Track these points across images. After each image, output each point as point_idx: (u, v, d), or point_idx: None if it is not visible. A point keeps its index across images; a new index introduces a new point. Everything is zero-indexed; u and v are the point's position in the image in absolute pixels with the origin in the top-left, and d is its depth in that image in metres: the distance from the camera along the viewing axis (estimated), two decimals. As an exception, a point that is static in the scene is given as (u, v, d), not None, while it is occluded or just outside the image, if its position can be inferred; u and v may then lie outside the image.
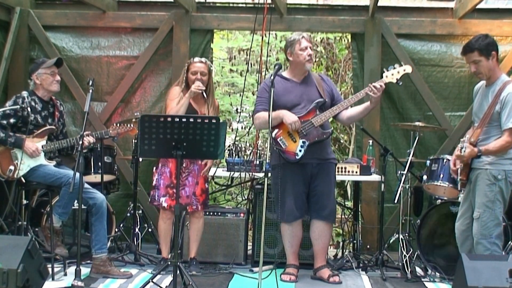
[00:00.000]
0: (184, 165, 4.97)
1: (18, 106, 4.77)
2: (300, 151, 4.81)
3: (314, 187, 4.92)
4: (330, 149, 5.06)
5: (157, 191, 5.06)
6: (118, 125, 5.07)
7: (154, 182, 5.09)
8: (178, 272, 4.05)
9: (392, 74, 4.79)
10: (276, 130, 4.83)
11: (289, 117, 4.77)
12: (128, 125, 5.03)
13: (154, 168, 5.15)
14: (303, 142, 4.82)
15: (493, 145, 4.22)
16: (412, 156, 5.26)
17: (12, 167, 4.78)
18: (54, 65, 4.93)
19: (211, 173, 5.58)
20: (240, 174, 5.64)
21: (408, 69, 4.81)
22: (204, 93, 4.93)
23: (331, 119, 5.03)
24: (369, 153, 5.78)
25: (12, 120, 4.80)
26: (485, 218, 4.22)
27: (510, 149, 4.23)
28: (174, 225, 4.29)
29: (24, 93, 4.90)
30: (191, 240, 5.17)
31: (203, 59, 5.11)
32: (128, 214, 5.86)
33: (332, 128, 5.11)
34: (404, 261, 5.07)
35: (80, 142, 4.44)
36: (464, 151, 4.19)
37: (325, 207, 4.92)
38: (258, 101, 4.98)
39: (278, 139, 4.85)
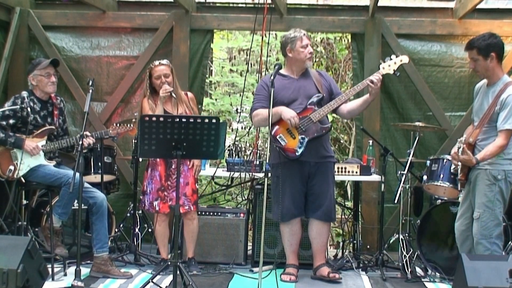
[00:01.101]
0: (173, 167, 4.96)
1: (18, 107, 4.77)
2: (299, 147, 4.80)
3: (312, 186, 4.92)
4: (329, 146, 5.04)
5: (146, 196, 5.06)
6: (117, 125, 5.06)
7: (143, 188, 5.09)
8: (178, 272, 4.05)
9: (389, 66, 4.79)
10: (275, 128, 4.82)
11: (288, 112, 4.77)
12: (128, 125, 5.03)
13: (145, 172, 5.14)
14: (302, 138, 4.81)
15: (490, 152, 4.20)
16: (412, 156, 5.25)
17: (12, 167, 4.78)
18: (51, 65, 4.92)
19: (211, 173, 5.60)
20: (240, 174, 5.64)
21: (404, 59, 4.81)
22: (172, 94, 4.91)
23: (331, 117, 5.03)
24: (369, 153, 5.78)
25: (11, 121, 4.80)
26: (485, 218, 4.22)
27: (504, 150, 4.22)
28: (174, 225, 4.28)
29: (24, 93, 4.90)
30: (187, 241, 5.17)
31: (164, 61, 5.07)
32: (128, 214, 5.86)
33: (332, 126, 5.08)
34: (404, 261, 5.07)
35: (80, 142, 4.45)
36: (461, 153, 4.18)
37: (322, 206, 4.91)
38: (256, 99, 4.98)
39: (277, 137, 4.84)
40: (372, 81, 4.71)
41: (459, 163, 4.33)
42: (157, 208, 5.03)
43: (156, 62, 5.07)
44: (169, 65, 5.06)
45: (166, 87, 4.93)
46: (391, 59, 4.80)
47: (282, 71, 4.95)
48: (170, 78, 5.01)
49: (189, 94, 5.25)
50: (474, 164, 4.23)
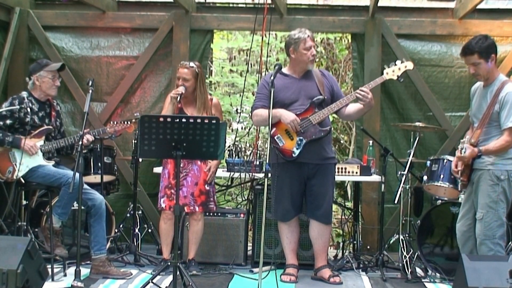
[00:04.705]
0: (181, 165, 4.96)
1: (16, 107, 4.76)
2: (297, 149, 4.79)
3: (311, 186, 4.90)
4: (330, 147, 5.00)
5: (159, 194, 5.07)
6: (115, 123, 5.05)
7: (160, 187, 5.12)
8: (178, 272, 4.05)
9: (393, 71, 4.76)
10: (273, 128, 4.80)
11: (287, 116, 4.75)
12: (126, 122, 5.01)
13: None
14: (300, 140, 4.80)
15: (493, 144, 4.21)
16: (413, 156, 5.25)
17: (11, 168, 4.77)
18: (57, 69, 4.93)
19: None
20: (240, 175, 5.63)
21: (409, 65, 4.77)
22: (179, 97, 4.90)
23: (331, 118, 5.01)
24: (369, 153, 5.77)
25: (8, 122, 4.79)
26: (489, 218, 4.22)
27: (510, 148, 4.22)
28: (174, 225, 4.28)
29: (24, 93, 4.90)
30: (190, 242, 5.17)
31: (190, 64, 5.05)
32: (128, 215, 5.85)
33: (332, 127, 5.05)
34: (404, 262, 5.07)
35: (80, 143, 4.44)
36: (465, 152, 4.19)
37: (320, 208, 4.90)
38: (257, 97, 4.97)
39: (275, 137, 4.83)
40: (359, 93, 4.68)
41: (462, 166, 4.32)
42: (163, 206, 5.03)
43: (184, 63, 5.08)
44: (193, 69, 5.02)
45: (178, 89, 4.94)
46: (395, 64, 4.75)
47: (284, 71, 4.94)
48: (190, 83, 5.00)
49: (214, 99, 5.21)
50: (477, 154, 4.21)
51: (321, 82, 4.91)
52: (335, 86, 5.01)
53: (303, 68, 4.92)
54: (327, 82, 4.96)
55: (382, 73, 4.81)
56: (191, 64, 5.07)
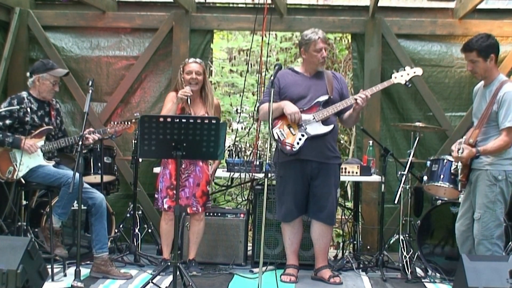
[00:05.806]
0: (183, 166, 4.97)
1: (15, 107, 4.75)
2: (298, 143, 4.78)
3: (314, 187, 4.90)
4: (334, 145, 4.98)
5: (159, 193, 5.07)
6: (115, 123, 5.05)
7: (157, 186, 5.11)
8: (178, 272, 4.05)
9: (401, 76, 4.83)
10: (277, 123, 4.81)
11: (290, 108, 4.76)
12: (126, 123, 5.01)
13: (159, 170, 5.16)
14: (301, 135, 4.80)
15: (491, 145, 4.21)
16: (413, 156, 5.25)
17: (11, 168, 4.77)
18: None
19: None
20: (240, 175, 5.63)
21: (418, 71, 4.85)
22: (189, 99, 4.90)
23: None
24: (369, 153, 5.77)
25: (8, 122, 4.78)
26: (486, 219, 4.22)
27: (508, 148, 4.22)
28: (174, 226, 4.28)
29: (24, 93, 4.90)
30: (191, 242, 5.17)
31: (198, 60, 5.11)
32: (128, 215, 5.85)
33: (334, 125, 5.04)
34: (405, 262, 5.07)
35: (80, 143, 4.44)
36: (462, 152, 4.19)
37: (324, 209, 4.90)
38: (266, 92, 4.99)
39: (276, 131, 4.82)
40: (356, 99, 4.72)
41: (460, 164, 4.33)
42: (165, 206, 5.02)
43: (190, 60, 5.12)
44: (202, 65, 5.08)
45: (186, 90, 4.92)
46: (404, 69, 4.85)
47: (296, 68, 5.01)
48: (201, 77, 5.03)
49: (215, 100, 5.21)
50: (475, 154, 4.21)
51: (330, 82, 4.92)
52: (344, 89, 5.02)
53: (314, 69, 4.94)
54: (337, 84, 4.97)
55: (390, 77, 4.85)
56: (198, 60, 5.13)
